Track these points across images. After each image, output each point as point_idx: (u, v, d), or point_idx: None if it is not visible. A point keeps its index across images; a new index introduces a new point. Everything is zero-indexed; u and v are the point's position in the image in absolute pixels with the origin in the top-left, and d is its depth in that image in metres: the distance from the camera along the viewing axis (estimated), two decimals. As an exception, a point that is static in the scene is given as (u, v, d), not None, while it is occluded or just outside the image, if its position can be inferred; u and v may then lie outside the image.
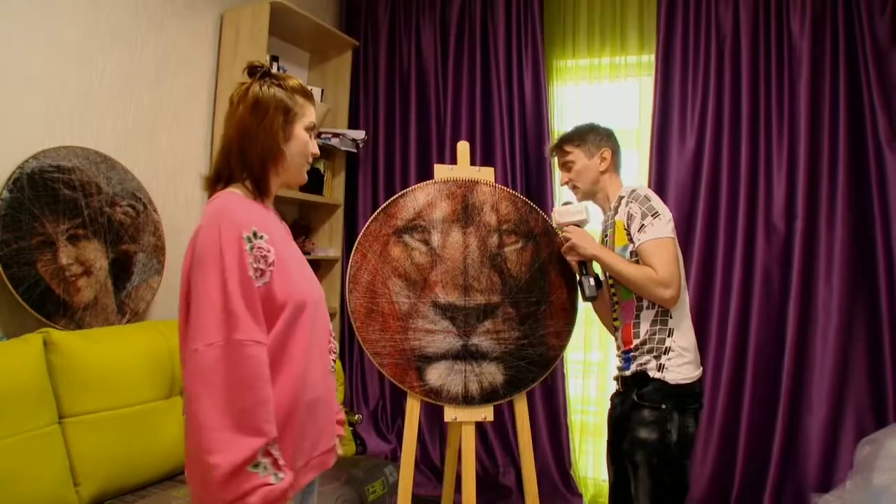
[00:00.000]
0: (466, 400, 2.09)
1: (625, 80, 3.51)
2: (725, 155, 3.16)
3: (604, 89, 3.53)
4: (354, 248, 2.10)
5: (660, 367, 2.09)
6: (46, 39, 2.55)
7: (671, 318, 2.13)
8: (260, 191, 1.64)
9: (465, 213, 2.19)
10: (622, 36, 3.47)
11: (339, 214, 3.87)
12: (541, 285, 2.21)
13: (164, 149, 3.04)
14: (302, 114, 1.66)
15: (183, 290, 1.52)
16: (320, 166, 3.74)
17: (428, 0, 3.86)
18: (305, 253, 3.65)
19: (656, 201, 2.14)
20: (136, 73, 2.90)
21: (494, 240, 2.19)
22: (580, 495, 3.48)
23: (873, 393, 2.96)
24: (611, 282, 2.27)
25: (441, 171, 2.23)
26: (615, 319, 2.29)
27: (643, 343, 2.13)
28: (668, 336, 2.11)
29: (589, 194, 2.34)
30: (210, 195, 1.67)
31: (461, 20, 3.76)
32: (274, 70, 1.71)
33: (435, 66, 3.84)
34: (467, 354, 2.10)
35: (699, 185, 3.22)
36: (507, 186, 3.50)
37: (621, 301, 2.23)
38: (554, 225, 2.30)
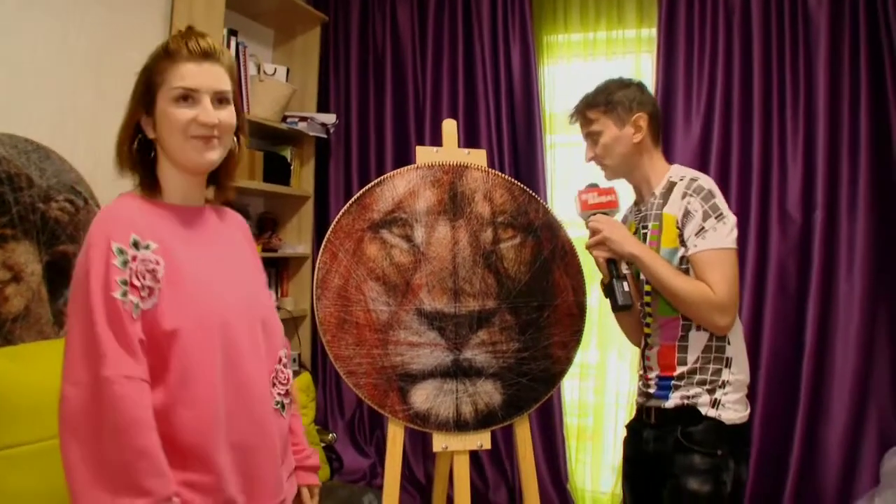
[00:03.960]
0: (459, 425, 1.77)
1: (623, 58, 3.20)
2: (735, 139, 2.88)
3: (599, 67, 3.21)
4: (323, 246, 1.77)
5: (714, 403, 1.75)
6: (-40, 6, 2.20)
7: (729, 344, 1.78)
8: (144, 186, 1.36)
9: (453, 203, 1.87)
10: (619, 7, 3.16)
11: (309, 207, 3.55)
12: (543, 287, 1.89)
13: (108, 136, 2.62)
14: (163, 80, 1.31)
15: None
16: (287, 154, 3.41)
17: (403, -31, 3.52)
18: (271, 250, 3.32)
19: (720, 199, 1.76)
20: (73, 50, 2.54)
21: (488, 234, 1.87)
22: (577, 511, 3.19)
23: (898, 399, 2.70)
24: (647, 288, 1.88)
25: (424, 154, 1.91)
26: (648, 336, 1.92)
27: (692, 372, 1.78)
28: (726, 367, 1.77)
29: (620, 173, 1.94)
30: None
31: (441, -10, 3.44)
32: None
33: (412, 43, 3.51)
34: (459, 371, 1.78)
35: (707, 173, 2.89)
36: (494, 175, 3.21)
37: (658, 316, 1.86)
38: (577, 212, 1.89)
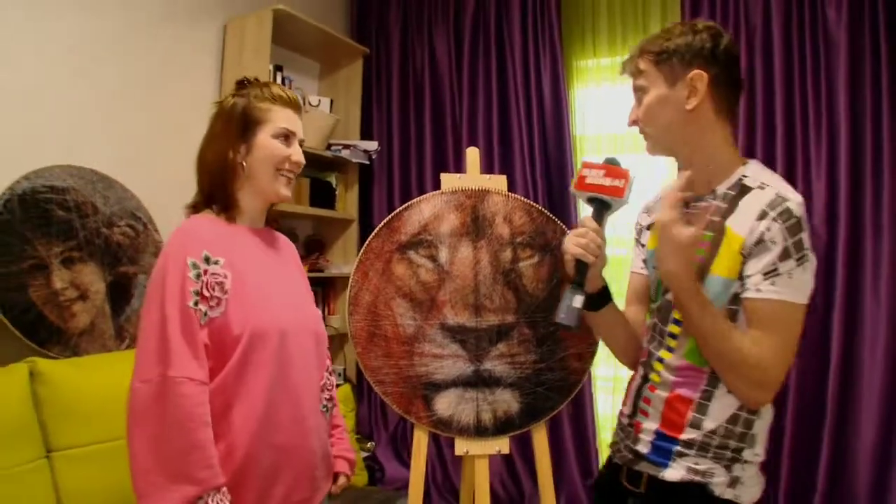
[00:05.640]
0: (479, 431, 1.90)
1: (649, 80, 3.29)
2: (759, 156, 2.93)
3: (628, 90, 3.30)
4: (355, 266, 1.94)
5: (733, 482, 1.37)
6: (37, 52, 2.44)
7: (759, 418, 1.39)
8: (223, 208, 1.54)
9: (475, 225, 2.01)
10: (645, 31, 3.27)
11: (354, 229, 3.73)
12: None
13: (164, 165, 2.91)
14: (266, 119, 1.53)
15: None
16: (332, 180, 3.60)
17: (440, 4, 3.71)
18: (318, 270, 3.50)
19: (808, 235, 1.33)
20: (133, 86, 2.78)
21: (508, 254, 2.00)
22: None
23: (927, 414, 2.70)
24: (677, 316, 1.44)
25: (448, 180, 2.05)
26: (656, 371, 1.49)
27: (707, 442, 1.38)
28: (749, 446, 1.38)
29: (663, 147, 1.49)
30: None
31: (475, 23, 3.61)
32: (264, 79, 1.62)
33: (449, 72, 3.69)
34: (479, 381, 1.92)
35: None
36: (528, 197, 3.33)
37: (681, 357, 1.44)
38: (572, 190, 1.53)
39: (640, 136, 1.53)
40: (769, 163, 2.90)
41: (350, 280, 1.93)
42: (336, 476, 1.70)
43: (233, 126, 1.52)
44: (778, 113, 2.92)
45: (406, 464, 3.61)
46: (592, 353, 2.00)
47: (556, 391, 1.95)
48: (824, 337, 2.84)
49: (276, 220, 1.72)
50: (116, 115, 2.72)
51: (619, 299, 1.68)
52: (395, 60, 3.83)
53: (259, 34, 3.08)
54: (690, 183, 1.39)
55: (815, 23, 2.88)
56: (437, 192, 2.03)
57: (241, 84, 1.60)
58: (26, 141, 2.41)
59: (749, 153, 2.92)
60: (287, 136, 1.55)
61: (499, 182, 2.07)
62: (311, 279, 3.44)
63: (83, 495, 2.12)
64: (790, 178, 2.89)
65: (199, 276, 1.38)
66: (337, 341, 3.65)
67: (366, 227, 3.81)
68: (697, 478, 1.37)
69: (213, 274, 1.40)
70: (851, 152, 2.80)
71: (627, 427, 1.54)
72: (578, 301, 1.44)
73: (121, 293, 2.64)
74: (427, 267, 1.96)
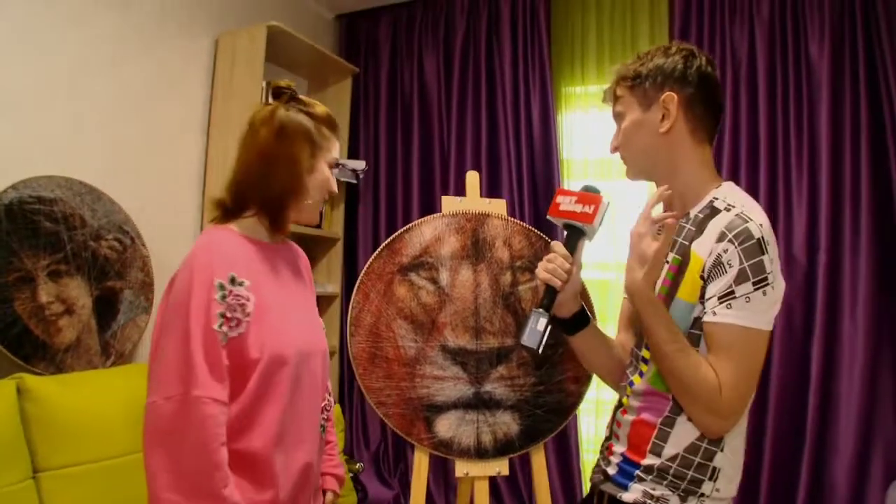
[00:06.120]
0: (479, 453, 1.91)
1: (637, 108, 3.36)
2: (743, 184, 3.01)
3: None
4: (356, 287, 1.94)
5: None
6: (29, 63, 2.41)
7: (721, 451, 1.33)
8: (276, 225, 1.51)
9: (475, 248, 2.03)
10: (634, 60, 3.34)
11: (339, 248, 3.72)
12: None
13: (153, 179, 2.89)
14: (326, 147, 1.53)
15: (154, 331, 1.42)
16: (318, 197, 3.59)
17: (431, 25, 3.74)
18: (302, 288, 3.49)
19: (771, 256, 1.27)
20: (124, 99, 2.76)
21: (507, 277, 2.02)
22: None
23: (903, 432, 2.78)
24: (645, 340, 1.44)
25: (449, 203, 2.08)
26: (626, 396, 1.49)
27: (664, 470, 1.35)
28: (710, 479, 1.33)
29: (640, 172, 1.49)
30: (217, 222, 1.53)
31: (465, 45, 3.64)
32: (301, 96, 1.60)
33: (438, 94, 3.72)
34: (480, 403, 1.93)
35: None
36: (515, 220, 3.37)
37: (646, 382, 1.43)
38: (548, 216, 1.54)
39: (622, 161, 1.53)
40: (752, 191, 2.97)
41: (351, 301, 1.94)
42: (324, 493, 1.70)
43: (307, 146, 1.49)
44: (761, 143, 3.00)
45: (388, 484, 3.59)
46: (589, 377, 2.03)
47: (554, 413, 1.97)
48: (804, 358, 2.91)
49: None
50: (105, 128, 2.69)
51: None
52: (383, 80, 3.85)
53: (251, 50, 3.08)
54: (662, 197, 1.39)
55: (798, 57, 2.97)
56: (438, 214, 2.05)
57: (289, 95, 1.54)
58: (13, 151, 2.37)
59: (732, 180, 2.98)
60: (335, 165, 1.57)
61: (499, 206, 2.10)
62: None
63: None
64: (772, 206, 2.97)
65: (224, 297, 1.36)
66: (319, 359, 3.63)
67: (350, 247, 3.80)
68: (651, 501, 1.35)
69: (236, 295, 1.38)
70: (832, 181, 2.87)
71: (604, 450, 1.54)
72: (542, 324, 1.43)
73: (107, 308, 2.60)
74: (428, 289, 1.98)
